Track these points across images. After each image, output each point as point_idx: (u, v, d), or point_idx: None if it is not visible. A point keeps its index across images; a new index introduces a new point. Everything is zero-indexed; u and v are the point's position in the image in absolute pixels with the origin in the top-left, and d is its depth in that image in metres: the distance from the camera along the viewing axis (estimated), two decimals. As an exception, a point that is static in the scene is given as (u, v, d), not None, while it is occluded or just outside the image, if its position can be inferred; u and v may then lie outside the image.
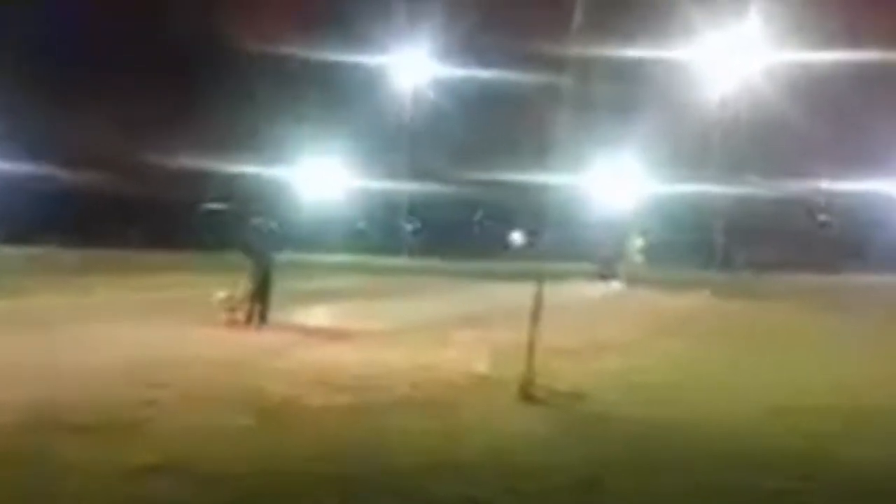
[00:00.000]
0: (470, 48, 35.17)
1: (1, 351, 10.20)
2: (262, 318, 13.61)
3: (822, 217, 48.96)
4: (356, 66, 36.53)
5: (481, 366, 10.13)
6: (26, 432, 6.49)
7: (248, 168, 38.00)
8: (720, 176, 35.95)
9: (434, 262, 37.87)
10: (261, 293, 13.74)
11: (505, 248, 51.36)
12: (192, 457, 5.98)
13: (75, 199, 38.84)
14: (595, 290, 24.06)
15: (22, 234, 39.18)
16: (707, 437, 7.24)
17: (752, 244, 44.59)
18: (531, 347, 8.70)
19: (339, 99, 39.84)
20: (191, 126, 37.43)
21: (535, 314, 8.94)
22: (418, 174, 41.63)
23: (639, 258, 27.38)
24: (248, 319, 13.53)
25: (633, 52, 28.46)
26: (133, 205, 41.07)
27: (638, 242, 27.19)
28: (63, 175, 35.59)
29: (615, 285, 24.46)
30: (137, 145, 35.55)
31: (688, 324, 15.86)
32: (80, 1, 37.51)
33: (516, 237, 53.65)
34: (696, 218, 43.67)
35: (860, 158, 37.87)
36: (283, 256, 15.02)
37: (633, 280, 24.98)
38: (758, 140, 36.97)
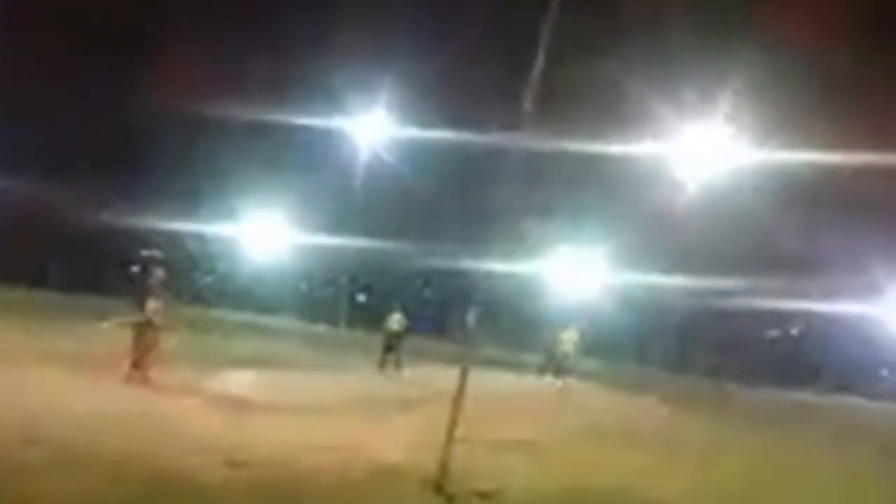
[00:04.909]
0: (427, 114, 35.45)
1: None
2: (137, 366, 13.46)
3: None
4: (312, 128, 36.79)
5: (396, 453, 9.93)
6: None
7: (190, 225, 38.46)
8: (685, 268, 35.42)
9: (373, 336, 37.35)
10: (146, 344, 13.63)
11: (459, 327, 50.99)
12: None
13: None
14: (534, 382, 24.08)
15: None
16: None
17: (714, 346, 43.80)
18: (449, 437, 8.61)
19: (290, 161, 40.11)
20: (135, 184, 37.60)
21: (457, 402, 8.87)
22: (369, 238, 41.55)
23: (572, 353, 26.35)
24: (143, 374, 13.33)
25: (593, 143, 28.62)
26: (62, 249, 40.78)
27: (573, 336, 26.31)
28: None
29: (554, 380, 24.49)
30: (83, 194, 35.09)
31: (620, 431, 15.23)
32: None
33: (470, 318, 53.24)
34: (650, 312, 43.02)
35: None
36: (186, 310, 14.82)
37: (567, 376, 24.73)
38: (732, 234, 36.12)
